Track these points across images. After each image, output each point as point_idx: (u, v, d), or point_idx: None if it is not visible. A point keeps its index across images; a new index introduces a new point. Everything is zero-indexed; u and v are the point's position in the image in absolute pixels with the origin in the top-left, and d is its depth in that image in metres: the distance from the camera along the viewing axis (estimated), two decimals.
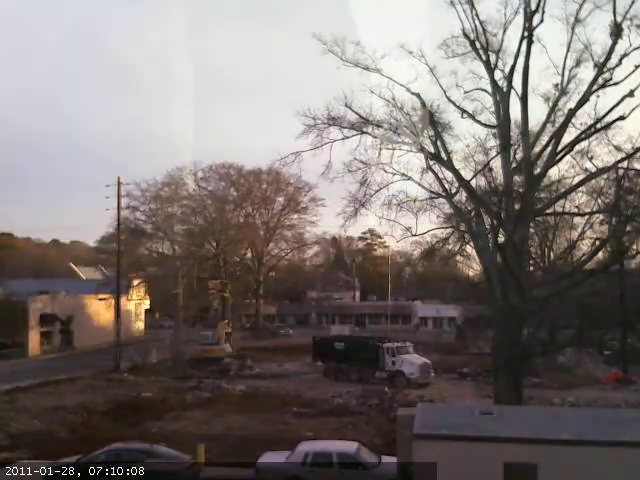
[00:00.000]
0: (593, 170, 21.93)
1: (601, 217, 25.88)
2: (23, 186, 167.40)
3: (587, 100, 21.35)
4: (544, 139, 22.61)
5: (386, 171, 23.87)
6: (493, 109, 23.04)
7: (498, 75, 22.65)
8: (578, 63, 21.75)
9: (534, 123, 23.04)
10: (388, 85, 23.13)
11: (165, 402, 32.47)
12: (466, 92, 23.13)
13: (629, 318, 23.67)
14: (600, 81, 21.14)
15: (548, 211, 23.73)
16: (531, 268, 24.90)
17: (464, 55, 22.69)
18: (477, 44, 22.36)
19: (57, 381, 39.78)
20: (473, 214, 23.14)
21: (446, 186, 23.80)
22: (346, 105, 23.06)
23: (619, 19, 20.25)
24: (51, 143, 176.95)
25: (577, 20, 21.10)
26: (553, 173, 23.92)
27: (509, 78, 22.43)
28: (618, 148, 20.91)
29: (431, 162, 23.55)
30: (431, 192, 24.26)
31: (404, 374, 37.79)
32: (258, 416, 27.96)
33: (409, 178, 24.07)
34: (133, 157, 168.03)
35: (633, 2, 19.87)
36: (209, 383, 37.81)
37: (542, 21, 21.56)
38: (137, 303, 69.98)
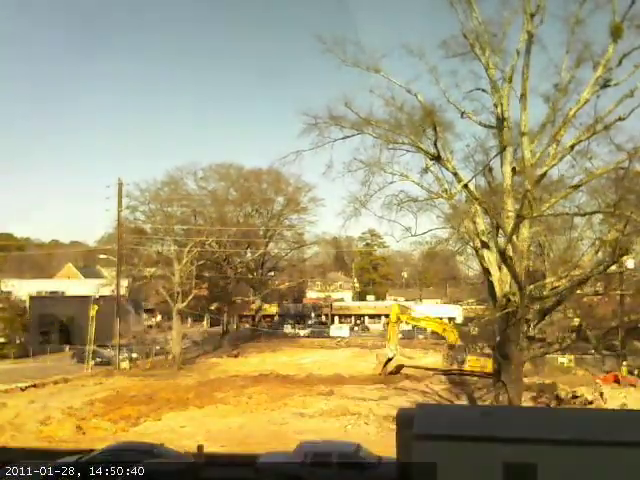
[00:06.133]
0: (593, 170, 21.92)
1: (601, 217, 25.88)
2: (23, 186, 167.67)
3: (587, 100, 21.33)
4: (544, 139, 22.60)
5: (386, 171, 23.89)
6: (493, 109, 23.02)
7: (498, 75, 22.65)
8: (578, 63, 21.73)
9: (534, 123, 23.04)
10: (388, 85, 23.13)
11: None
12: (466, 92, 23.12)
13: (629, 318, 23.65)
14: (600, 81, 21.13)
15: (548, 211, 23.70)
16: (531, 268, 24.84)
17: (464, 55, 22.65)
18: (477, 44, 22.33)
19: (56, 381, 39.79)
20: (473, 214, 23.12)
21: (446, 186, 23.80)
22: (346, 105, 23.06)
23: (619, 19, 20.23)
24: (51, 142, 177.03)
25: (577, 20, 21.07)
26: (553, 173, 23.92)
27: (509, 78, 22.42)
28: (618, 148, 20.90)
29: (431, 162, 23.55)
30: (431, 192, 24.25)
31: None
32: None
33: (409, 178, 24.09)
34: (133, 157, 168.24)
35: (633, 2, 19.84)
36: None
37: (542, 21, 21.56)
38: (137, 303, 69.93)
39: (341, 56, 22.81)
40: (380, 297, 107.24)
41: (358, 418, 29.13)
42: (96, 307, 49.89)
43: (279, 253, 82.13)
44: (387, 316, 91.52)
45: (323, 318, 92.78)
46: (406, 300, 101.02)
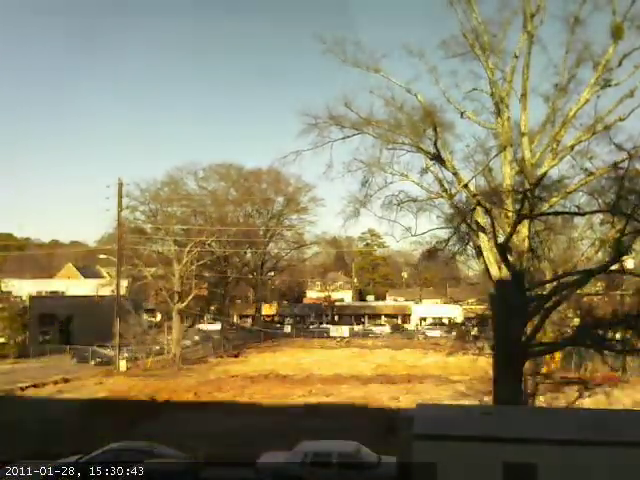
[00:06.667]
0: (593, 170, 21.91)
1: (601, 217, 25.85)
2: (23, 186, 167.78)
3: (587, 100, 21.34)
4: (544, 139, 22.59)
5: (386, 171, 23.88)
6: (493, 109, 23.01)
7: (498, 75, 22.62)
8: (578, 63, 21.71)
9: (534, 123, 23.03)
10: (388, 85, 23.11)
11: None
12: (466, 92, 23.09)
13: (629, 318, 23.61)
14: (600, 81, 21.13)
15: (548, 211, 23.69)
16: (531, 268, 24.82)
17: (464, 55, 22.63)
18: (477, 44, 22.32)
19: (56, 381, 39.81)
20: (473, 214, 23.12)
21: (446, 186, 23.80)
22: (346, 105, 23.03)
23: (619, 19, 20.25)
24: (51, 142, 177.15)
25: (577, 20, 21.06)
26: (553, 173, 23.92)
27: (509, 78, 22.40)
28: (618, 147, 20.89)
29: (431, 162, 23.54)
30: (431, 192, 24.26)
31: None
32: None
33: (409, 178, 24.09)
34: (133, 157, 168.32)
35: (633, 2, 19.84)
36: None
37: (542, 21, 21.56)
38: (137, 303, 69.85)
39: (341, 56, 22.76)
40: (380, 297, 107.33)
41: None
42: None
43: (279, 253, 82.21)
44: (387, 316, 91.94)
45: (323, 318, 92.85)
46: (406, 300, 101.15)
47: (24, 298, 56.70)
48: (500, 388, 22.09)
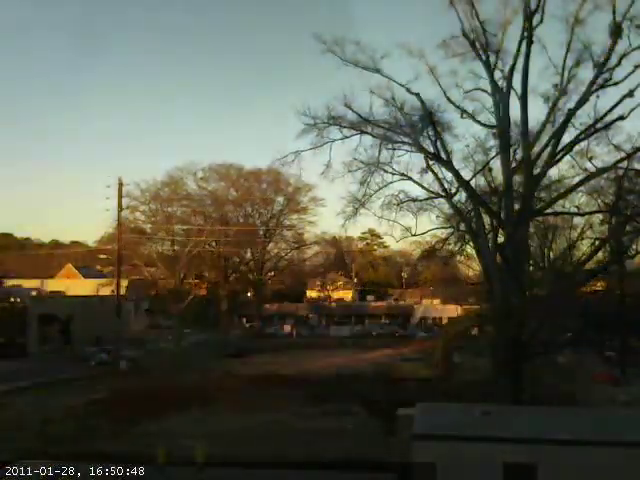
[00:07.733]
0: (593, 170, 21.94)
1: (601, 217, 25.91)
2: (23, 185, 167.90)
3: (587, 100, 21.38)
4: (544, 139, 22.63)
5: (386, 171, 23.96)
6: (493, 109, 23.06)
7: (498, 75, 22.69)
8: (578, 63, 21.77)
9: (534, 123, 23.08)
10: (388, 85, 23.17)
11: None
12: (466, 92, 23.14)
13: (629, 318, 23.70)
14: (600, 81, 21.17)
15: (548, 211, 23.72)
16: (531, 268, 24.88)
17: (464, 55, 22.72)
18: (477, 44, 22.38)
19: (55, 382, 39.79)
20: (473, 214, 23.15)
21: (446, 186, 23.86)
22: (346, 105, 23.11)
23: (619, 19, 20.29)
24: (51, 141, 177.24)
25: (577, 20, 21.12)
26: (553, 173, 23.96)
27: (509, 78, 22.45)
28: (618, 148, 20.95)
29: (431, 162, 23.61)
30: (431, 192, 24.31)
31: None
32: None
33: (409, 178, 24.14)
34: (133, 157, 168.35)
35: (633, 2, 19.91)
36: None
37: (542, 21, 21.60)
38: (137, 303, 69.92)
39: (341, 56, 22.87)
40: (380, 297, 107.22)
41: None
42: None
43: (279, 253, 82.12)
44: (388, 316, 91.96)
45: (323, 318, 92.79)
46: (406, 300, 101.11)
47: (24, 298, 56.72)
48: (500, 388, 22.13)
